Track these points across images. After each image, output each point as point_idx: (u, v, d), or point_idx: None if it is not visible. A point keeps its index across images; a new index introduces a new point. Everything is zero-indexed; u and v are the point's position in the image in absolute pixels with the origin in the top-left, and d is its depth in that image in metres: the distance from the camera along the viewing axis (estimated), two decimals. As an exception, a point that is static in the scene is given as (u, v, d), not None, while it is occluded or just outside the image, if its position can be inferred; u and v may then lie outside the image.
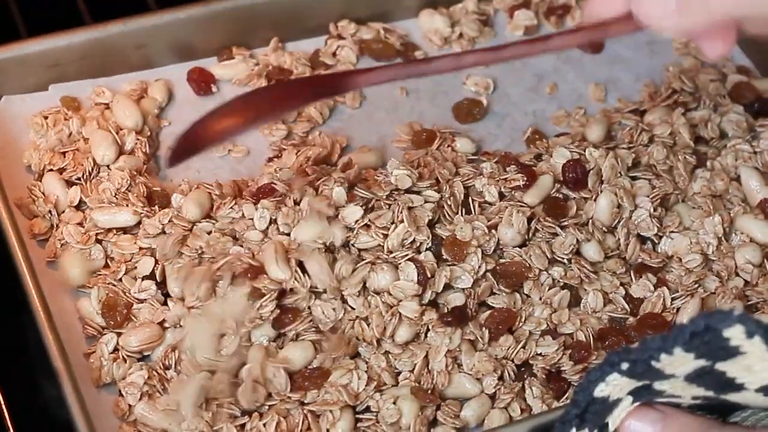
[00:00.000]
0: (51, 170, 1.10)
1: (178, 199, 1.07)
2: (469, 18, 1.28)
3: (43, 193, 1.09)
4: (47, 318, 0.97)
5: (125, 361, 0.99)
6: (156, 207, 1.07)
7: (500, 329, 1.03)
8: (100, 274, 1.04)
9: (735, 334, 0.76)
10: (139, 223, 1.06)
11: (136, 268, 1.04)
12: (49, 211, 1.07)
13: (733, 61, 1.27)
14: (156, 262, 1.03)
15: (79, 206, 1.09)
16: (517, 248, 1.07)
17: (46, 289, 1.01)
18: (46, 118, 1.14)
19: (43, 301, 0.98)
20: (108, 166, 1.10)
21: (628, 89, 1.25)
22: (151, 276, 1.03)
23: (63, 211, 1.08)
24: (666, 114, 1.19)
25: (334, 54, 1.24)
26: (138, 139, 1.13)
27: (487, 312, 1.04)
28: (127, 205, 1.06)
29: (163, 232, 1.05)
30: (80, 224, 1.07)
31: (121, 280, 1.03)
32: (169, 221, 1.05)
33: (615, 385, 0.83)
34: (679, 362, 0.79)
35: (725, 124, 1.18)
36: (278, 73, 1.20)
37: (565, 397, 1.00)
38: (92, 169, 1.10)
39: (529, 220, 1.08)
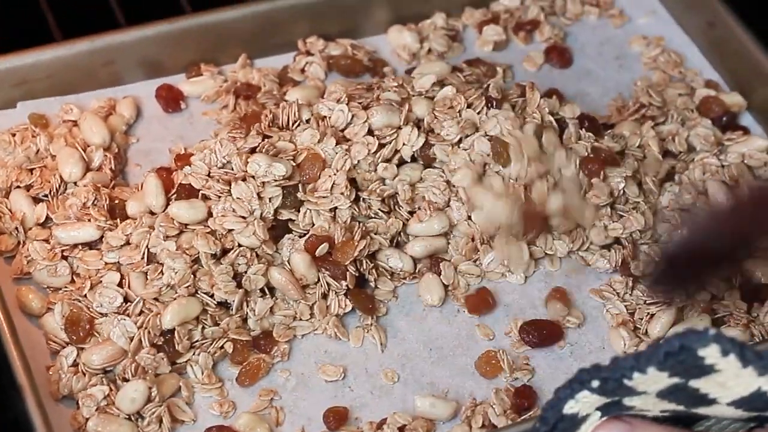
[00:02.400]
0: (18, 187, 1.10)
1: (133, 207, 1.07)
2: (437, 33, 1.28)
3: (9, 210, 1.08)
4: (12, 334, 0.97)
5: (84, 375, 0.99)
6: (118, 220, 1.06)
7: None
8: (66, 290, 1.04)
9: (710, 353, 0.75)
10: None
11: (101, 282, 1.03)
12: (16, 228, 1.07)
13: (702, 75, 1.27)
14: (122, 276, 1.03)
15: (46, 223, 1.08)
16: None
17: (12, 306, 1.01)
18: (13, 135, 1.14)
19: (8, 318, 0.98)
20: (75, 182, 1.10)
21: (596, 104, 1.24)
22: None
23: (30, 228, 1.08)
24: (634, 128, 1.19)
25: (302, 70, 1.24)
26: (105, 156, 1.12)
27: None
28: (89, 220, 1.06)
29: (127, 243, 1.04)
30: (46, 241, 1.06)
31: (85, 296, 1.02)
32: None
33: (584, 402, 0.82)
34: (652, 381, 0.78)
35: (693, 138, 1.18)
36: (246, 90, 1.20)
37: (529, 413, 1.00)
38: (59, 186, 1.10)
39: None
